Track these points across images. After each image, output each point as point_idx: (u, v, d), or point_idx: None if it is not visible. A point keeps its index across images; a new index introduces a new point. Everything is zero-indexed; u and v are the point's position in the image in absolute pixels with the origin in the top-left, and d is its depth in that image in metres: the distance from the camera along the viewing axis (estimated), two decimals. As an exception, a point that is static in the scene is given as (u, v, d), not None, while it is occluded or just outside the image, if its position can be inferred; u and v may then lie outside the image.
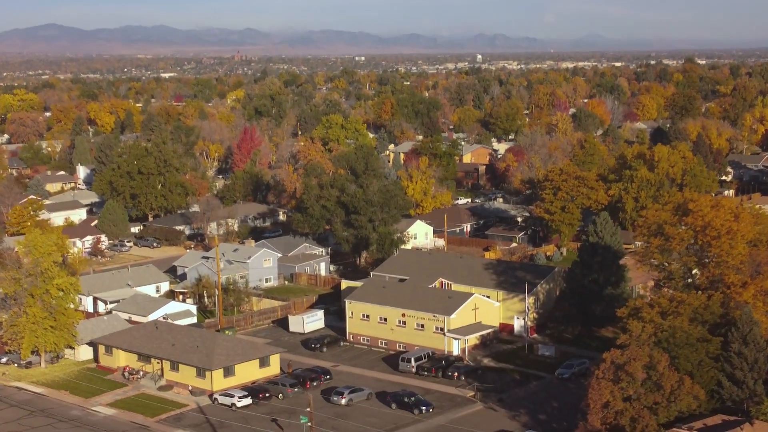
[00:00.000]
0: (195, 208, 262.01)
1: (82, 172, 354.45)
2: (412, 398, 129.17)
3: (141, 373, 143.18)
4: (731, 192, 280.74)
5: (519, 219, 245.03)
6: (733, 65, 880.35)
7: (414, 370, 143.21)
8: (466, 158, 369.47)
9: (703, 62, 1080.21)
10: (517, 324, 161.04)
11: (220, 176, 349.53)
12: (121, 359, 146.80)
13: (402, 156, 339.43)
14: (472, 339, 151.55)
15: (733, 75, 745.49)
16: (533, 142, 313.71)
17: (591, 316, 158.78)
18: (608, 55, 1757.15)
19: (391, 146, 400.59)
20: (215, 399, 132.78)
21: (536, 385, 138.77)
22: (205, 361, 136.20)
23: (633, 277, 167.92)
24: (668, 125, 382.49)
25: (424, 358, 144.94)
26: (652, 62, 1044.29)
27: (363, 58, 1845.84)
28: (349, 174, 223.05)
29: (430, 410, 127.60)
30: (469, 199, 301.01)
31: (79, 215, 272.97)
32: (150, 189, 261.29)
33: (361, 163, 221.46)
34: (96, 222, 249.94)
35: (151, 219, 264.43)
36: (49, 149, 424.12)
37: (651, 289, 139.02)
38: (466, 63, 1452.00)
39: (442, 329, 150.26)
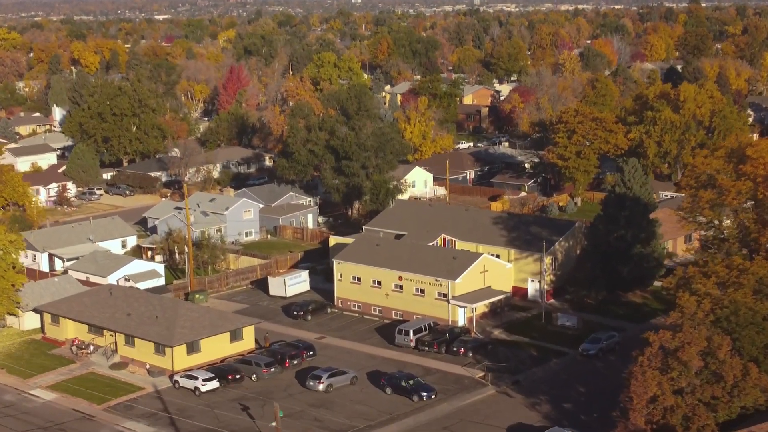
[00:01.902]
0: (175, 153, 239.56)
1: (57, 113, 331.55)
2: (411, 382, 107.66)
3: (91, 347, 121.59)
4: (755, 136, 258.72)
5: (527, 165, 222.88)
6: (739, 6, 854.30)
7: (412, 344, 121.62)
8: (467, 100, 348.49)
9: (704, 5, 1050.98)
10: (532, 288, 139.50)
11: (206, 118, 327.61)
12: (69, 330, 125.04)
13: (399, 97, 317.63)
14: (481, 307, 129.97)
15: (740, 16, 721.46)
16: (540, 82, 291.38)
17: (617, 279, 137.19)
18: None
19: (388, 87, 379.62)
20: (176, 381, 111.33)
21: (557, 363, 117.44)
22: (165, 336, 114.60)
23: (663, 233, 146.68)
24: (681, 65, 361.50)
25: (425, 329, 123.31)
26: (654, 4, 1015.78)
27: (359, 1, 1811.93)
28: (340, 115, 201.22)
29: (432, 396, 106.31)
30: (471, 144, 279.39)
31: (48, 160, 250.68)
32: (124, 131, 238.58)
33: (354, 102, 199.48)
34: (64, 168, 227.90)
35: (125, 164, 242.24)
36: (26, 90, 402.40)
37: (696, 251, 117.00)
38: (464, 5, 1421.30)
39: (445, 295, 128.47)
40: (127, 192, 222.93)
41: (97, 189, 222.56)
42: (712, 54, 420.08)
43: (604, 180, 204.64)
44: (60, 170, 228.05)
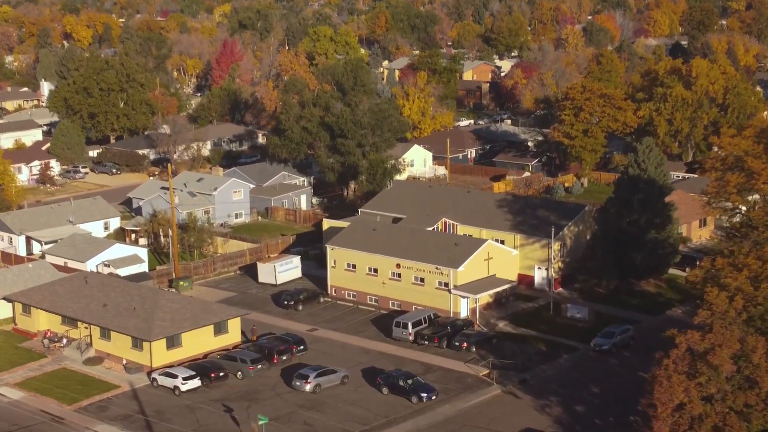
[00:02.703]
0: (164, 129, 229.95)
1: (46, 88, 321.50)
2: (410, 381, 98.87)
3: (64, 340, 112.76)
4: (766, 114, 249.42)
5: (530, 143, 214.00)
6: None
7: (411, 338, 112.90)
8: (467, 75, 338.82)
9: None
10: (539, 276, 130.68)
11: (198, 94, 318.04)
12: (42, 322, 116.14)
13: (397, 73, 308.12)
14: (485, 297, 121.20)
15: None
16: (543, 58, 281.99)
17: (629, 267, 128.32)
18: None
19: (385, 63, 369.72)
20: (154, 379, 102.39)
21: (567, 359, 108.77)
22: (143, 329, 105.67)
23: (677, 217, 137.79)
24: (687, 41, 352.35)
25: (424, 322, 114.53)
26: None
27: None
28: (335, 90, 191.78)
29: (433, 397, 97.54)
30: (472, 121, 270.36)
31: (33, 136, 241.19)
32: (110, 107, 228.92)
33: (350, 77, 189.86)
34: (47, 145, 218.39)
35: (113, 141, 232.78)
36: (15, 64, 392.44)
37: (720, 239, 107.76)
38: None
39: (446, 284, 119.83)
40: (114, 170, 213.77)
41: (82, 167, 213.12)
42: (718, 29, 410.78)
43: (611, 159, 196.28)
44: (44, 147, 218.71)
